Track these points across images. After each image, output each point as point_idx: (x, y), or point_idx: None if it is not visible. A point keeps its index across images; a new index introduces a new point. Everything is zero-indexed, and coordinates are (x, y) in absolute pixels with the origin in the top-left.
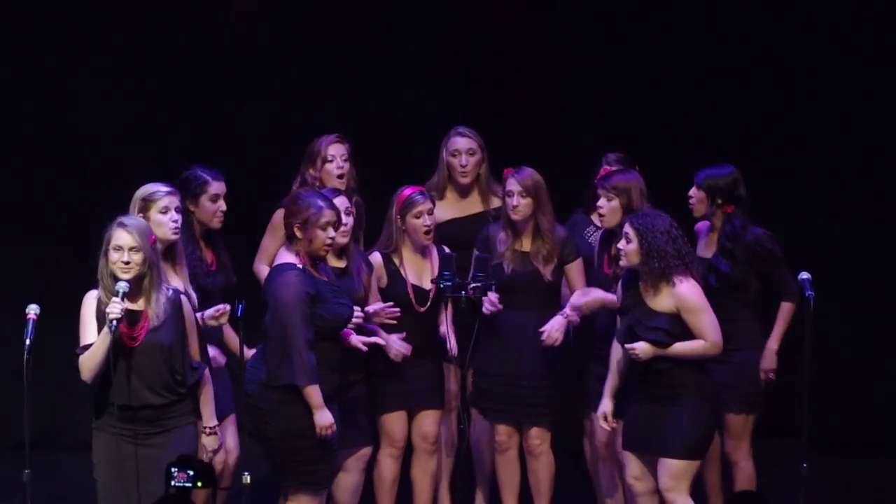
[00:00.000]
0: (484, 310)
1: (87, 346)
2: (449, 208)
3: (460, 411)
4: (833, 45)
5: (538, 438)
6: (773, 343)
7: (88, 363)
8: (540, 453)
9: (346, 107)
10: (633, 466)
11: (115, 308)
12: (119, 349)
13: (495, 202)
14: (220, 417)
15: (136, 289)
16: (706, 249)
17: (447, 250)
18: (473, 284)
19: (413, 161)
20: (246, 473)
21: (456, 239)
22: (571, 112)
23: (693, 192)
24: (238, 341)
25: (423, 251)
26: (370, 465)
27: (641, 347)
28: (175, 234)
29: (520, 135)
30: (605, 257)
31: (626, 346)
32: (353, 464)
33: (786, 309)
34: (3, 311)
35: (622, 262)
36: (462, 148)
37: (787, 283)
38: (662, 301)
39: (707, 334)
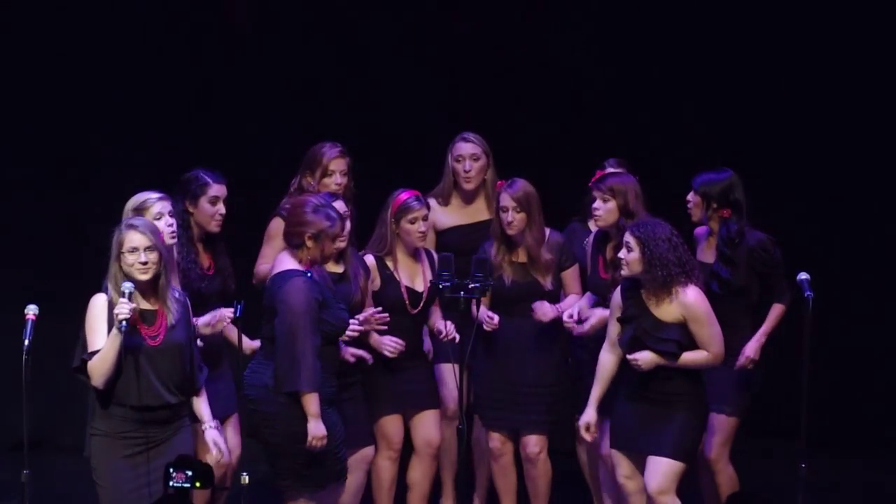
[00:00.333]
0: (485, 326)
1: (96, 352)
2: (454, 215)
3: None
4: (833, 45)
5: (537, 446)
6: (760, 336)
7: (100, 367)
8: (538, 461)
9: (347, 107)
10: (623, 466)
11: (124, 308)
12: (139, 349)
13: None
14: (223, 418)
15: (152, 288)
16: (705, 254)
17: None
18: (472, 285)
19: (413, 162)
20: (244, 474)
21: (460, 246)
22: (573, 119)
23: (690, 196)
24: (238, 335)
25: (415, 253)
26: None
27: (644, 358)
28: (173, 237)
29: (519, 142)
30: (600, 259)
31: (629, 356)
32: (355, 464)
33: (776, 310)
34: (2, 311)
35: (624, 272)
36: (466, 153)
37: (782, 288)
38: (668, 310)
39: (711, 346)
